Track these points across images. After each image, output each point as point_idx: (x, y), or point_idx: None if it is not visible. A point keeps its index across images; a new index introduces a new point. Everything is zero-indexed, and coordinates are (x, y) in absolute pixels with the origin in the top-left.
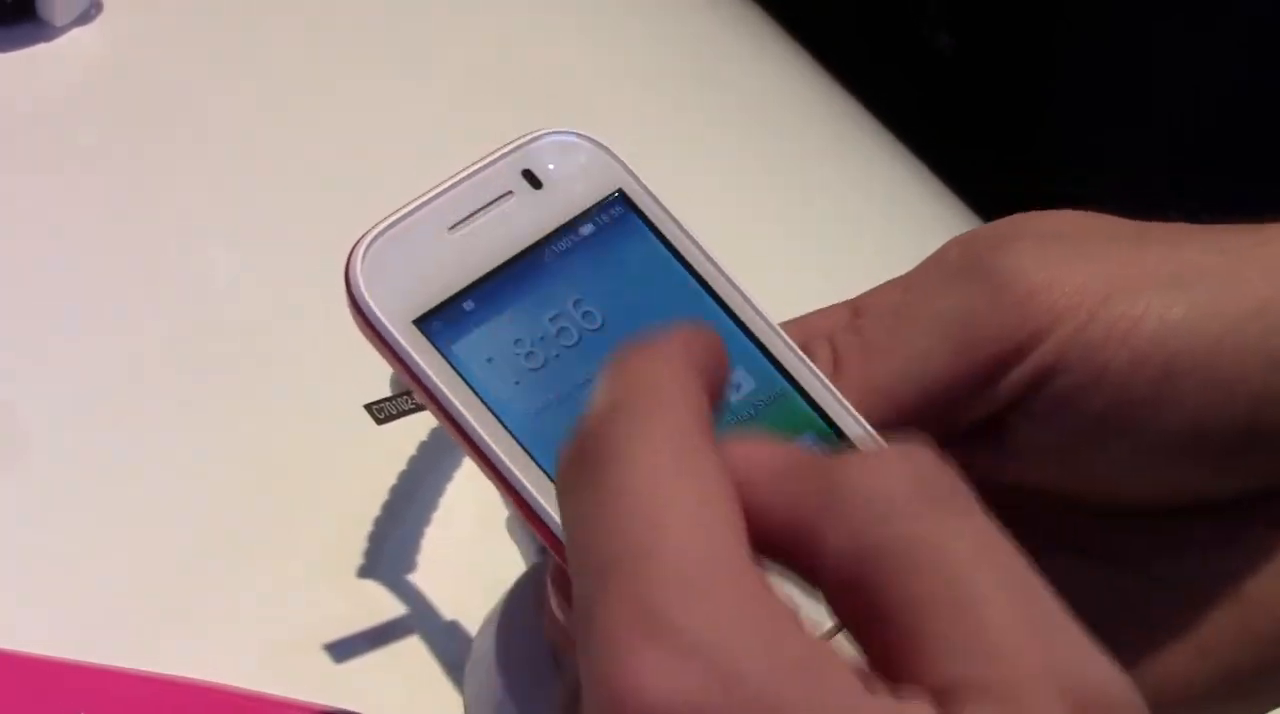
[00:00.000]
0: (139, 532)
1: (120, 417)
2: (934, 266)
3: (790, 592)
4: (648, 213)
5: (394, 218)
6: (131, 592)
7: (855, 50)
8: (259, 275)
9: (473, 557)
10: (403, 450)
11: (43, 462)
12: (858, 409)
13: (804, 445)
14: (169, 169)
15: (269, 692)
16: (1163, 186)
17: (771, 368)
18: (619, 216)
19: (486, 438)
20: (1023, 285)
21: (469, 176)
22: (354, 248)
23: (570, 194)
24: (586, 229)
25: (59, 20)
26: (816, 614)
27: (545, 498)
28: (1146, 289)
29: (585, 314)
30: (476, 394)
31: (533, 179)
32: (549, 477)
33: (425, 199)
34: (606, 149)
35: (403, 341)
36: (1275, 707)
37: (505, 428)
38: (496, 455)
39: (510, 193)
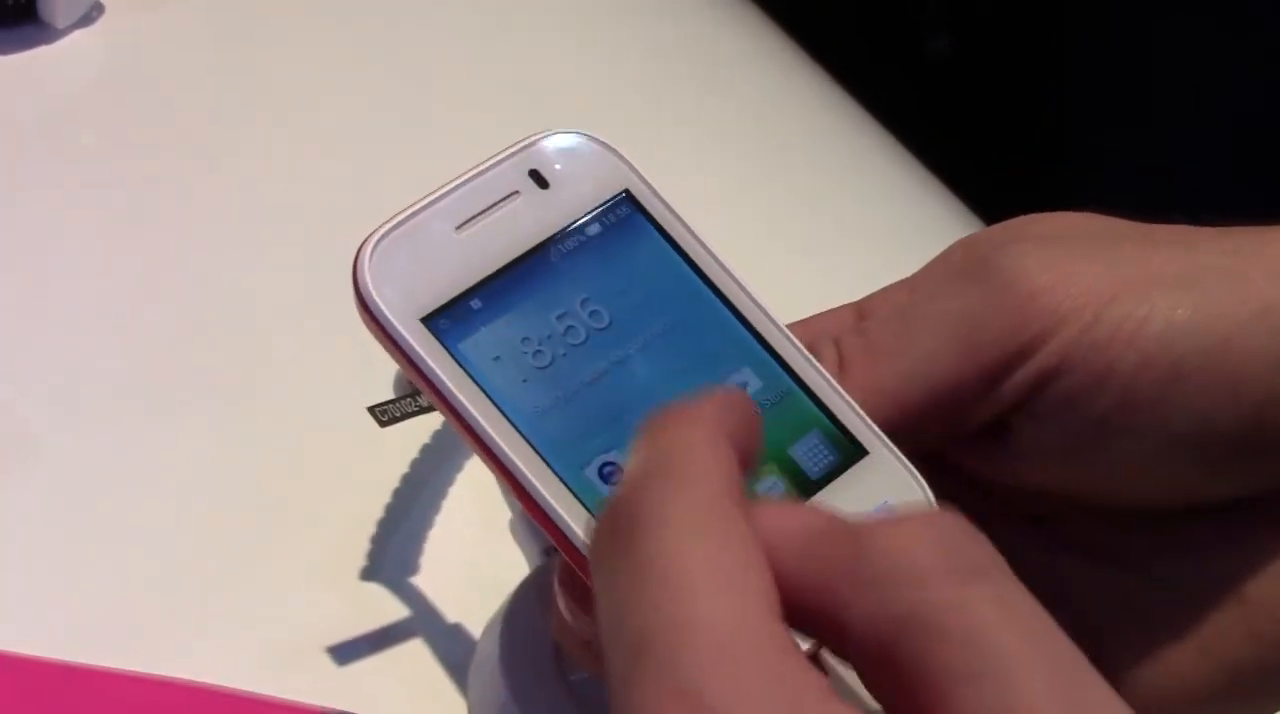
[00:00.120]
0: (141, 534)
1: (122, 418)
2: (939, 268)
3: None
4: (654, 213)
5: (401, 217)
6: (133, 594)
7: (855, 52)
8: (261, 277)
9: (475, 559)
10: (406, 453)
11: (44, 463)
12: (863, 409)
13: (823, 511)
14: (171, 171)
15: (272, 694)
16: (1164, 187)
17: (778, 367)
18: (625, 216)
19: (494, 435)
20: (1027, 287)
21: (476, 176)
22: (362, 247)
23: (577, 194)
24: (593, 229)
25: (60, 22)
26: (854, 680)
27: (553, 495)
28: (1152, 290)
29: (592, 313)
30: (484, 392)
31: (540, 179)
32: (556, 474)
33: (432, 198)
34: (613, 149)
35: (410, 340)
36: (1278, 708)
37: (513, 425)
38: (504, 453)
39: (517, 192)
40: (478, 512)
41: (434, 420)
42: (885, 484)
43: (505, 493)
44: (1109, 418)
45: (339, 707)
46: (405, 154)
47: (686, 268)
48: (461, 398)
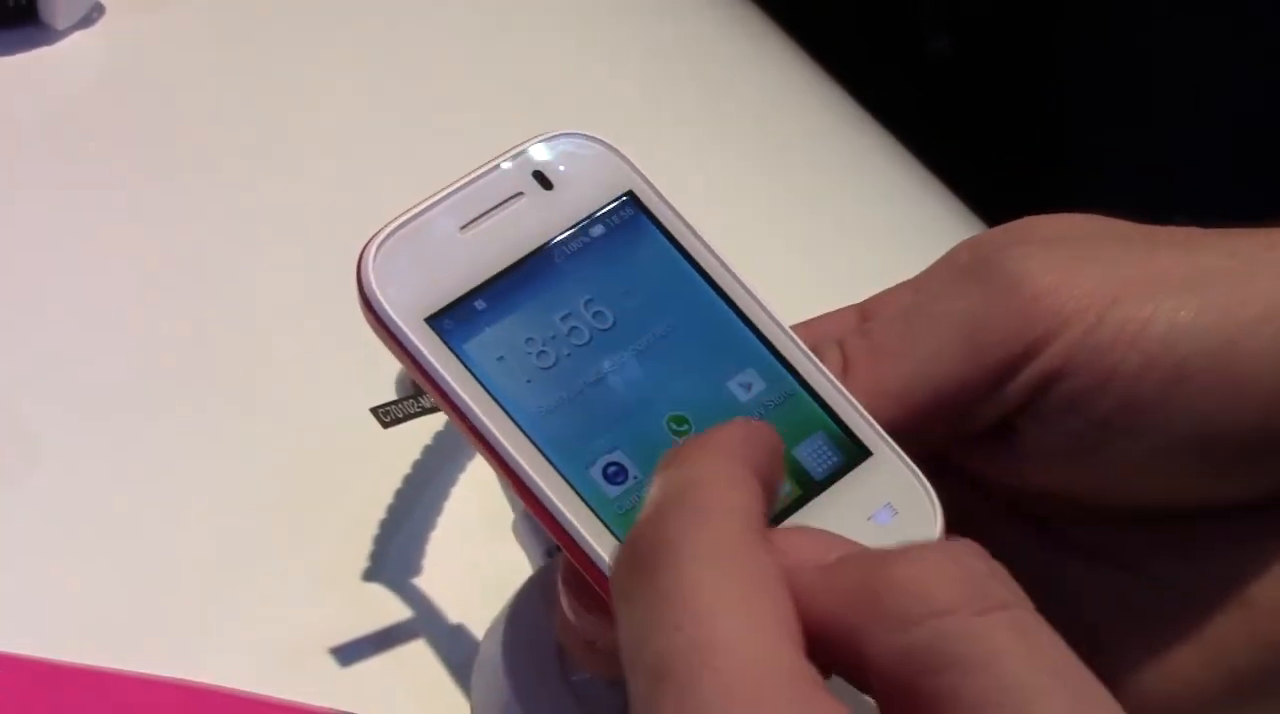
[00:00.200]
0: (142, 534)
1: (122, 419)
2: (942, 270)
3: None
4: (657, 214)
5: (406, 217)
6: (136, 595)
7: (855, 52)
8: (262, 278)
9: (478, 560)
10: (408, 454)
11: (46, 465)
12: (867, 411)
13: (842, 539)
14: (171, 172)
15: (274, 695)
16: (1163, 187)
17: (782, 369)
18: (629, 218)
19: (498, 435)
20: (1031, 288)
21: (480, 177)
22: (366, 247)
23: (581, 195)
24: (597, 230)
25: (61, 24)
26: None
27: (557, 495)
28: (1156, 292)
29: (596, 314)
30: (488, 392)
31: (543, 180)
32: (560, 474)
33: (437, 199)
34: (616, 151)
35: (415, 340)
36: (1276, 712)
37: (517, 426)
38: (508, 453)
39: (521, 193)
40: (480, 512)
41: (436, 421)
42: (889, 485)
43: (508, 493)
44: (1112, 419)
45: (341, 707)
46: (406, 154)
47: (690, 269)
48: (466, 398)
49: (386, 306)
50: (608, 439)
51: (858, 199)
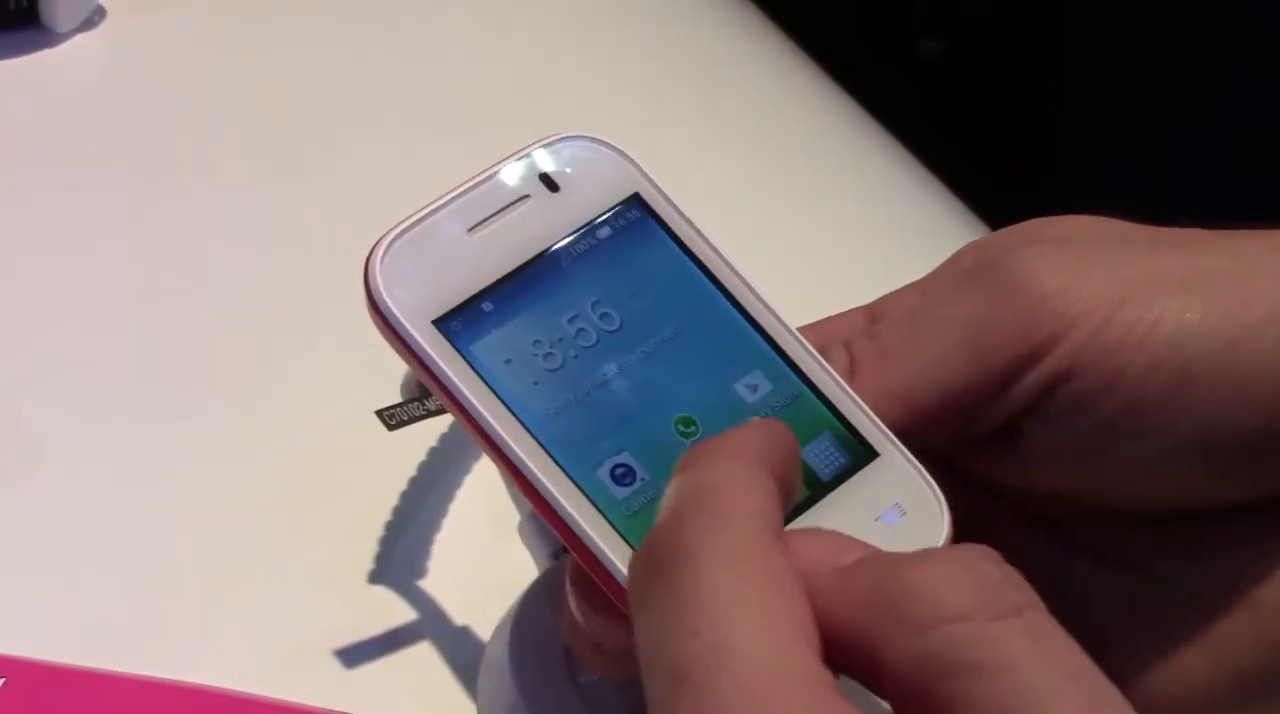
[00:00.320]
0: (148, 537)
1: (128, 422)
2: (948, 272)
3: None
4: (664, 216)
5: (413, 220)
6: (140, 597)
7: (854, 52)
8: (266, 280)
9: (484, 562)
10: (413, 456)
11: (49, 467)
12: (874, 412)
13: (858, 543)
14: (173, 174)
15: (279, 697)
16: (1164, 187)
17: (789, 370)
18: (635, 220)
19: (506, 437)
20: (1037, 290)
21: (487, 179)
22: (373, 249)
23: (587, 197)
24: (604, 232)
25: (62, 26)
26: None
27: (565, 497)
28: (1161, 294)
29: (603, 316)
30: (495, 394)
31: (550, 182)
32: (568, 476)
33: (444, 201)
34: (622, 153)
35: (422, 342)
36: None
37: (524, 427)
38: (516, 455)
39: (528, 196)
40: (485, 514)
41: (441, 423)
42: (896, 486)
43: (514, 495)
44: (1118, 420)
45: (347, 710)
46: (406, 155)
47: (696, 271)
48: (473, 400)
49: (394, 309)
50: (615, 441)
51: (857, 199)
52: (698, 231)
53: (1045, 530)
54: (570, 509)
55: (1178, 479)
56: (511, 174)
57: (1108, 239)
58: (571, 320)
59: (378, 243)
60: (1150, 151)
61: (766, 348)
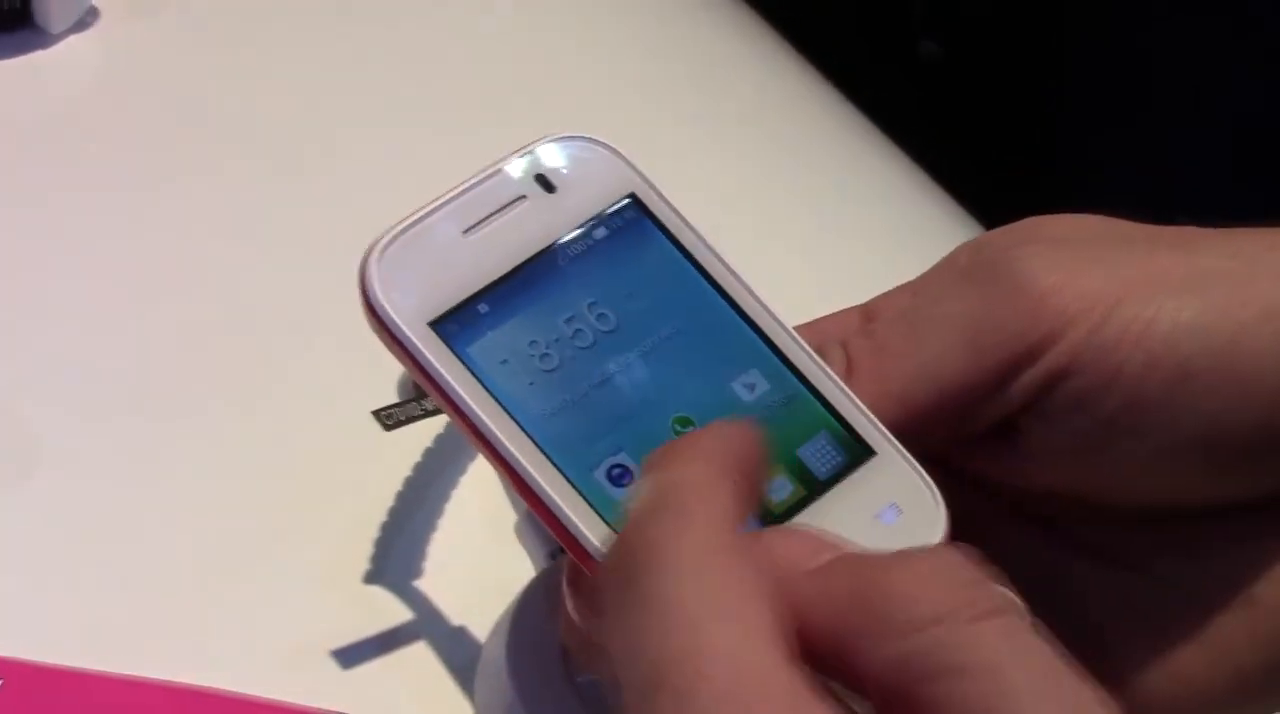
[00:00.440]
0: (143, 538)
1: (125, 423)
2: (945, 270)
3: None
4: (660, 216)
5: (408, 221)
6: (137, 598)
7: (851, 54)
8: (262, 281)
9: (481, 562)
10: (409, 456)
11: (46, 467)
12: (871, 411)
13: (836, 543)
14: (168, 175)
15: (276, 698)
16: (1163, 187)
17: (785, 369)
18: (632, 220)
19: (502, 438)
20: (1035, 288)
21: (483, 180)
22: (369, 251)
23: (583, 198)
24: (600, 232)
25: (55, 27)
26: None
27: (561, 498)
28: (1159, 292)
29: (600, 316)
30: (492, 395)
31: (546, 183)
32: (565, 477)
33: (439, 203)
34: (619, 153)
35: (418, 343)
36: None
37: (521, 428)
38: (513, 456)
39: (524, 197)
40: (482, 515)
41: (438, 424)
42: (893, 485)
43: (510, 495)
44: (1117, 418)
45: (344, 709)
46: (403, 156)
47: (693, 271)
48: (470, 401)
49: (390, 311)
50: (612, 441)
51: (853, 200)
52: (694, 231)
53: (1043, 529)
54: (567, 510)
55: (1176, 477)
56: (507, 175)
57: (1105, 238)
58: (568, 321)
59: (373, 245)
60: (1150, 151)
61: (763, 347)
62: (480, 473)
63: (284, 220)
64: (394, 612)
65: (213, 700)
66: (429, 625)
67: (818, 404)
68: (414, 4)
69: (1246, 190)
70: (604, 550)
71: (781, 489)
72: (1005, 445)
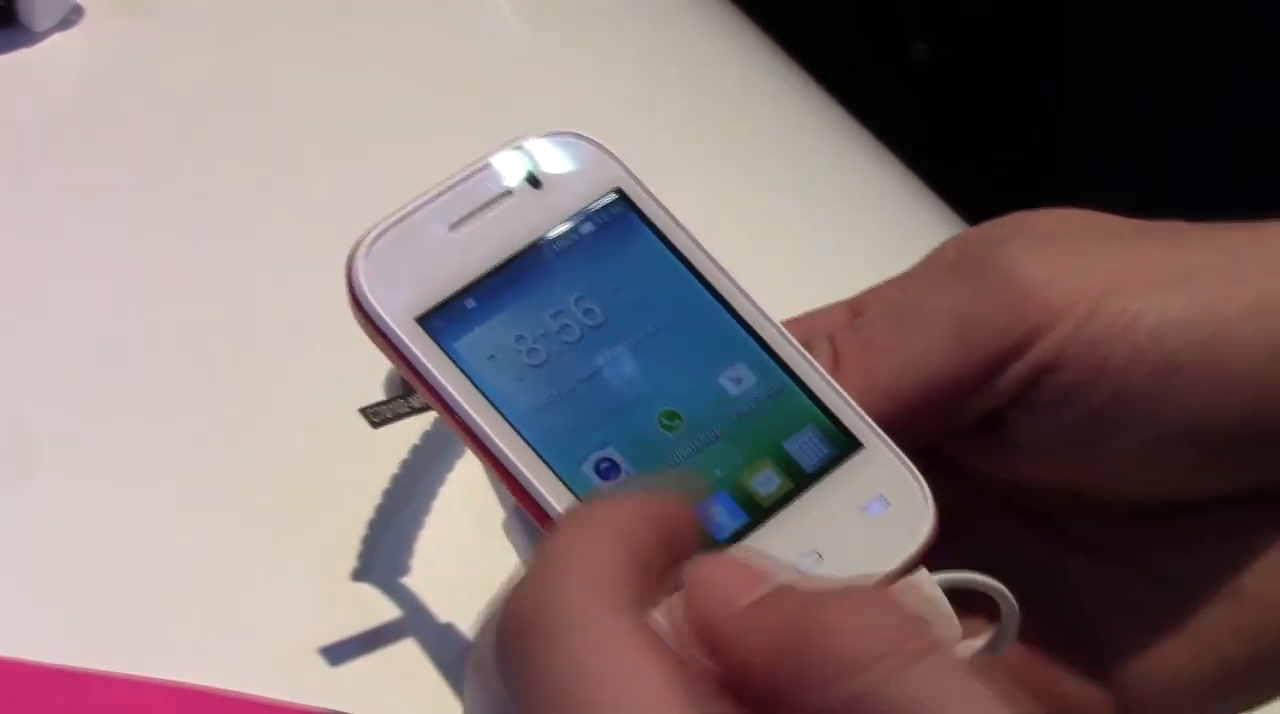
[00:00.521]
0: (131, 537)
1: (111, 422)
2: (932, 265)
3: None
4: (646, 211)
5: (395, 217)
6: (125, 597)
7: (841, 55)
8: (248, 279)
9: (468, 558)
10: (397, 454)
11: (40, 467)
12: (859, 405)
13: (768, 576)
14: (153, 173)
15: (265, 695)
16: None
17: (772, 363)
18: (618, 215)
19: (490, 433)
20: (1021, 282)
21: (469, 176)
22: (355, 247)
23: (570, 193)
24: (586, 227)
25: (39, 26)
26: None
27: (550, 492)
28: (1145, 286)
29: (587, 311)
30: (480, 390)
31: (532, 178)
32: (553, 471)
33: (426, 199)
34: (604, 148)
35: (406, 339)
36: (1270, 700)
37: (509, 423)
38: (501, 451)
39: (510, 192)
40: (469, 511)
41: (425, 421)
42: (881, 477)
43: (498, 491)
44: (1104, 412)
45: (333, 707)
46: (390, 156)
47: (679, 265)
48: (458, 397)
49: (377, 307)
50: (600, 435)
51: (842, 202)
52: (680, 226)
53: (1034, 524)
54: (555, 504)
55: (1163, 471)
56: (494, 170)
57: (1092, 232)
58: (555, 316)
59: (359, 241)
60: (1150, 151)
61: (750, 341)
62: (468, 469)
63: (268, 218)
64: (383, 609)
65: (202, 698)
66: (418, 622)
67: (805, 397)
68: (399, 6)
69: (1246, 190)
70: None
71: (769, 482)
72: (994, 439)
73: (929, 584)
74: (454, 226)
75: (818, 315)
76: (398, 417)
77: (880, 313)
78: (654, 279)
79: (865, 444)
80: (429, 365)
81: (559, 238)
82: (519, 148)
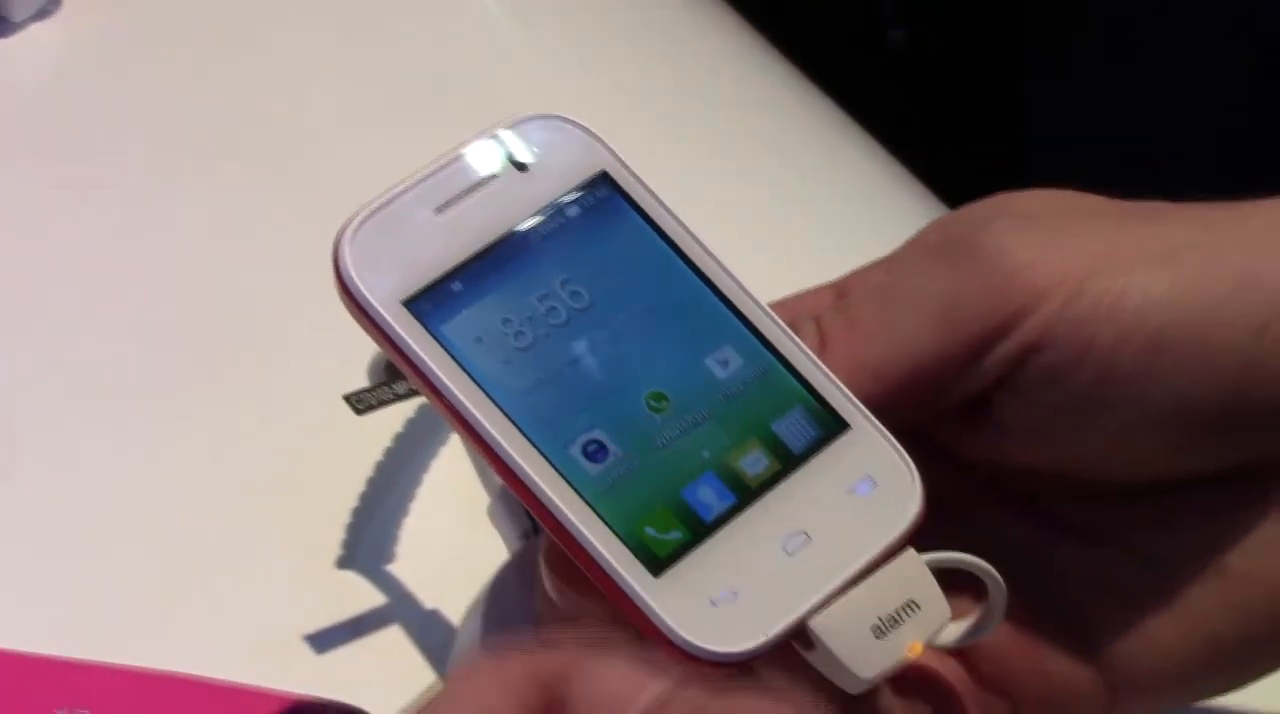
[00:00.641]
0: (115, 526)
1: (95, 414)
2: (916, 247)
3: None
4: (632, 193)
5: (381, 201)
6: (111, 586)
7: (817, 42)
8: (230, 269)
9: (453, 545)
10: (381, 440)
11: (26, 460)
12: (845, 385)
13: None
14: (131, 164)
15: (252, 683)
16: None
17: (759, 344)
18: (604, 197)
19: (479, 416)
20: (1006, 263)
21: (455, 159)
22: (341, 231)
23: (555, 176)
24: (572, 210)
25: (17, 16)
26: None
27: (538, 474)
28: (1130, 265)
29: (573, 293)
30: (467, 374)
31: (518, 162)
32: (541, 453)
33: (412, 182)
34: (589, 131)
35: (393, 322)
36: (1258, 678)
37: (497, 406)
38: (489, 433)
39: (496, 175)
40: (454, 498)
41: (409, 407)
42: (868, 457)
43: (483, 477)
44: (1090, 392)
45: (318, 694)
46: (374, 147)
47: (665, 247)
48: (445, 380)
49: (364, 291)
50: (587, 418)
51: (826, 187)
52: (666, 209)
53: (1022, 506)
54: (544, 486)
55: (1150, 450)
56: (479, 153)
57: (1076, 212)
58: (541, 298)
59: (345, 225)
60: (1139, 149)
61: (737, 323)
62: (452, 456)
63: (250, 206)
64: (368, 596)
65: (184, 686)
66: (403, 609)
67: (791, 379)
68: (387, 3)
69: (1235, 189)
70: (580, 525)
71: (756, 463)
72: (979, 421)
73: (917, 564)
74: (439, 210)
75: (804, 297)
76: (382, 403)
77: (866, 295)
78: (640, 261)
79: (852, 425)
80: (416, 348)
81: (545, 221)
82: (504, 131)
